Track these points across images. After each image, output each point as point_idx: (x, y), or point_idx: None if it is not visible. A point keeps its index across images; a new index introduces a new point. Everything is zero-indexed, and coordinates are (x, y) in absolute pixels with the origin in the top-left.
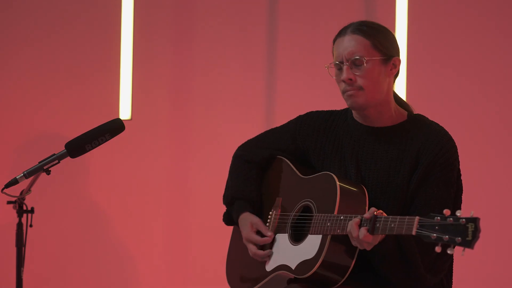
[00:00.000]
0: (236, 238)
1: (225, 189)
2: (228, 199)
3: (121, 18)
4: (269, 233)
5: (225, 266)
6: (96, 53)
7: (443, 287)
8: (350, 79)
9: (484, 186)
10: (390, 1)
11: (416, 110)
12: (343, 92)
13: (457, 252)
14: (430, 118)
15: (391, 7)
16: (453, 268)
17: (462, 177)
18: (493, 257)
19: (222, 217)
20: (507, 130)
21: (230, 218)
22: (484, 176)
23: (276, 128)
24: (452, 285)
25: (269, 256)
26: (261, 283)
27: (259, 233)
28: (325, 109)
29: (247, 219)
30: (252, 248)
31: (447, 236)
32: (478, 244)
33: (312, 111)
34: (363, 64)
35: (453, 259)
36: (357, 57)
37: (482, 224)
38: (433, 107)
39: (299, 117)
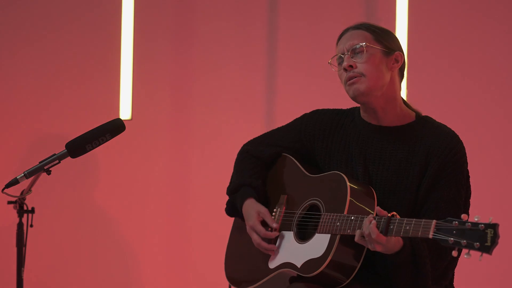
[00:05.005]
0: (237, 231)
1: (230, 181)
2: (233, 186)
3: (121, 18)
4: (275, 225)
5: (224, 259)
6: (97, 53)
7: None
8: (351, 66)
9: (485, 186)
10: (390, 1)
11: (418, 110)
12: (345, 82)
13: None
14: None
15: (391, 7)
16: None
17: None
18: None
19: (224, 211)
20: (510, 129)
21: (233, 208)
22: (485, 176)
23: (282, 126)
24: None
25: (273, 252)
26: (264, 280)
27: (264, 224)
28: (330, 108)
29: (254, 207)
30: (256, 238)
31: (465, 241)
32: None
33: (318, 110)
34: (364, 51)
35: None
36: (358, 45)
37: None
38: (433, 107)
39: (305, 115)
